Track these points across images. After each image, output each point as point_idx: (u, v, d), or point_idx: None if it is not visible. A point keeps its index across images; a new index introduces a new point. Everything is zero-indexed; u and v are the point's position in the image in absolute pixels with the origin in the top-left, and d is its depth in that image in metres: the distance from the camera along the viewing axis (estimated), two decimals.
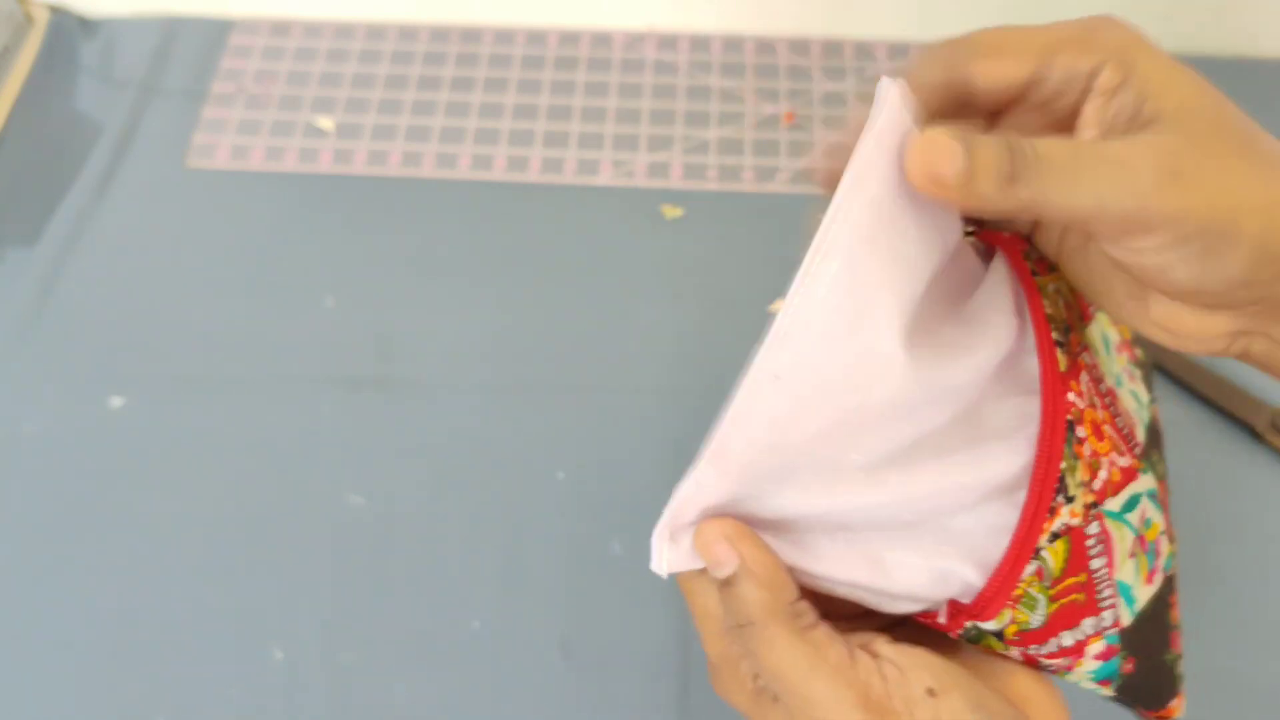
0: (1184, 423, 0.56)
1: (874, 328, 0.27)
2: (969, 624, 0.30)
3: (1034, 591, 0.29)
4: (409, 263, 0.62)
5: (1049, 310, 0.31)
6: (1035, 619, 0.30)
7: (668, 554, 0.30)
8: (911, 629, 0.32)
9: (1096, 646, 0.31)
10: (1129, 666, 0.32)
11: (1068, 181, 0.26)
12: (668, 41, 0.72)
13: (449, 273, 0.62)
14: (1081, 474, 0.30)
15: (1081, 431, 0.30)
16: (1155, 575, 0.33)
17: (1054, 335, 0.31)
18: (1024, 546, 0.29)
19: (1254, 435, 0.55)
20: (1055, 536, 0.29)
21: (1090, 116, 0.29)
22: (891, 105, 0.27)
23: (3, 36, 0.69)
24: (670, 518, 0.29)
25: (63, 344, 0.59)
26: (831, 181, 0.27)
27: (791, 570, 0.29)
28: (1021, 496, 0.29)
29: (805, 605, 0.29)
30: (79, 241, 0.62)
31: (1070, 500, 0.29)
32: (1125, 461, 0.31)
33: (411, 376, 0.58)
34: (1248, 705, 0.48)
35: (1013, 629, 0.30)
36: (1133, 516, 0.31)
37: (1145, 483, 0.32)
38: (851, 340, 0.27)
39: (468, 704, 0.49)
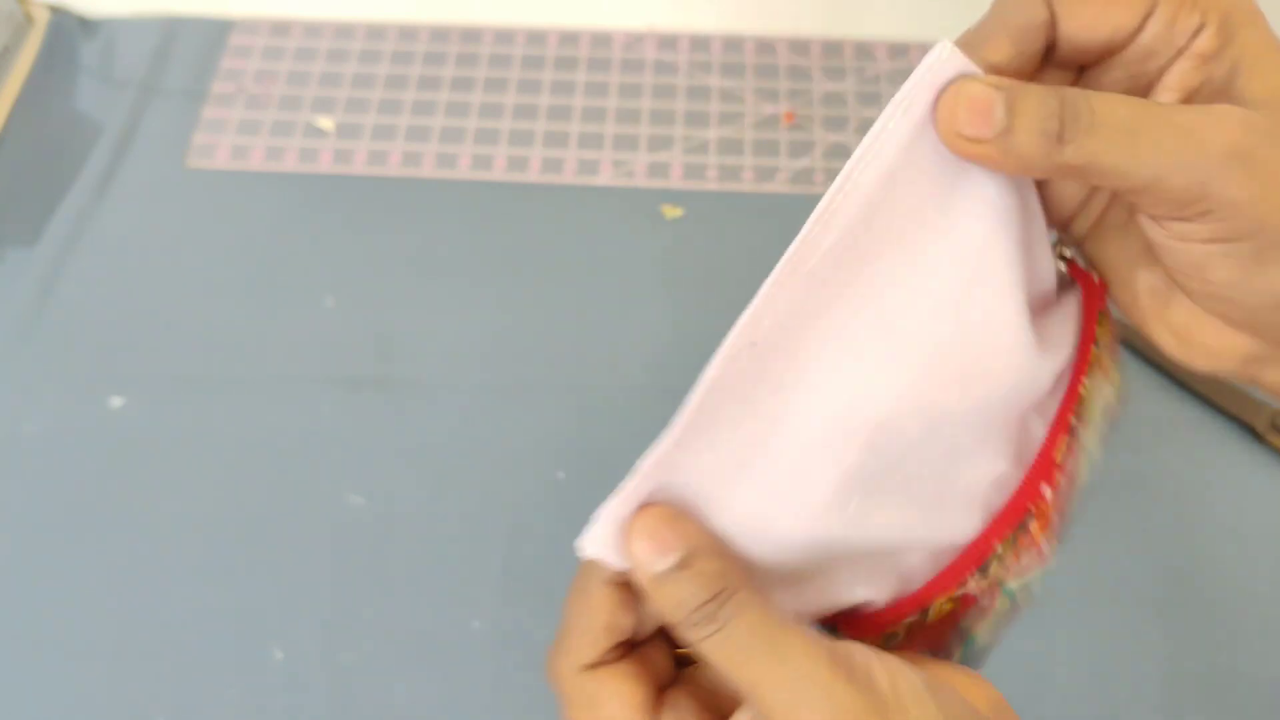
0: (1184, 423, 0.56)
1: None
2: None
3: (898, 630, 0.30)
4: (409, 263, 0.62)
5: (1084, 389, 0.29)
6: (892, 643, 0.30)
7: (610, 539, 0.27)
8: None
9: None
10: None
11: (1124, 146, 0.24)
12: (668, 41, 0.72)
13: (449, 273, 0.62)
14: (1009, 559, 0.29)
15: (1034, 525, 0.29)
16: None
17: (1072, 419, 0.29)
18: (918, 601, 0.29)
19: (1254, 435, 0.55)
20: (951, 599, 0.29)
21: (1173, 80, 0.26)
22: (937, 69, 0.25)
23: (3, 36, 0.69)
24: (628, 499, 0.27)
25: (63, 344, 0.59)
26: None
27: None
28: (945, 561, 0.29)
29: (756, 584, 0.26)
30: (79, 241, 0.62)
31: (983, 576, 0.29)
32: (1048, 548, 0.30)
33: (411, 376, 0.58)
34: (1248, 705, 0.48)
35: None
36: (1021, 591, 0.31)
37: (1051, 565, 0.31)
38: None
39: (468, 704, 0.49)
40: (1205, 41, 0.26)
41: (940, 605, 0.29)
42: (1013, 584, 0.30)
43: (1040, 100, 0.24)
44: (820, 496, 0.26)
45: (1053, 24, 0.27)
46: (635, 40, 0.72)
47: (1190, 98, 0.26)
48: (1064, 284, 0.31)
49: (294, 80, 0.70)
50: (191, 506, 0.54)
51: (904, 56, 0.71)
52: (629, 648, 0.28)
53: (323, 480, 0.54)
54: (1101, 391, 0.30)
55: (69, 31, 0.72)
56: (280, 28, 0.73)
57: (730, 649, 0.25)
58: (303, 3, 0.73)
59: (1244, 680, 0.49)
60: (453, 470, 0.55)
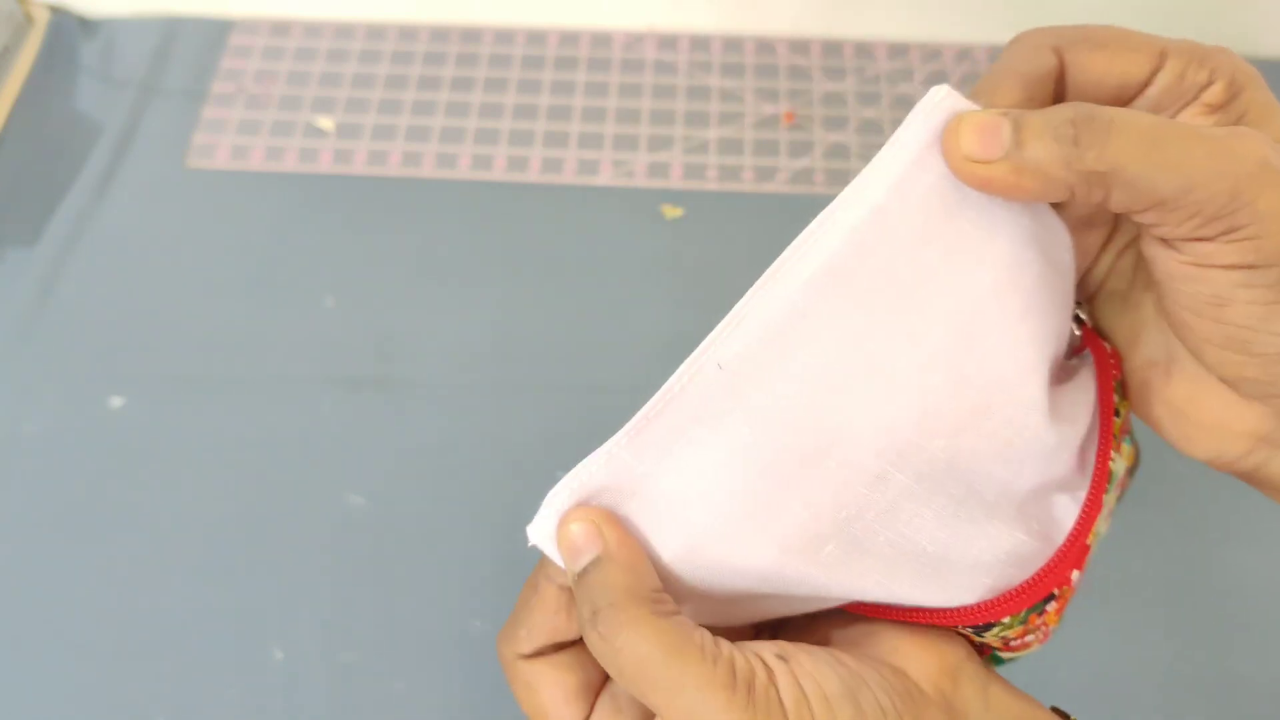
0: None
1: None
2: None
3: None
4: (409, 263, 0.62)
5: (1114, 465, 0.28)
6: None
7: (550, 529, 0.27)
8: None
9: None
10: None
11: (1148, 150, 0.23)
12: (668, 41, 0.72)
13: (449, 273, 0.62)
14: (1012, 632, 0.27)
15: (1052, 607, 0.27)
16: None
17: (1106, 496, 0.27)
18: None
19: None
20: None
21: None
22: (933, 110, 0.24)
23: (3, 36, 0.69)
24: (575, 491, 0.27)
25: (63, 344, 0.59)
26: None
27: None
28: (931, 616, 0.27)
29: (666, 595, 0.26)
30: (79, 241, 0.62)
31: (977, 635, 0.28)
32: (1052, 629, 0.28)
33: (411, 376, 0.58)
34: (1249, 707, 0.48)
35: None
36: (1005, 665, 0.30)
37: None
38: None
39: (468, 704, 0.49)
40: (1214, 94, 0.26)
41: None
42: (1004, 655, 0.29)
43: (1049, 114, 0.23)
44: (789, 535, 0.25)
45: (1062, 73, 0.26)
46: (635, 40, 0.72)
47: None
48: (1071, 350, 0.29)
49: (294, 80, 0.70)
50: (191, 506, 0.54)
51: (904, 56, 0.71)
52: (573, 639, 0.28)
53: (323, 480, 0.54)
54: (1117, 465, 0.29)
55: (69, 31, 0.72)
56: (280, 28, 0.73)
57: (622, 664, 0.24)
58: (303, 3, 0.73)
59: (1244, 682, 0.49)
60: (453, 470, 0.55)
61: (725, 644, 0.25)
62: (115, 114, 0.68)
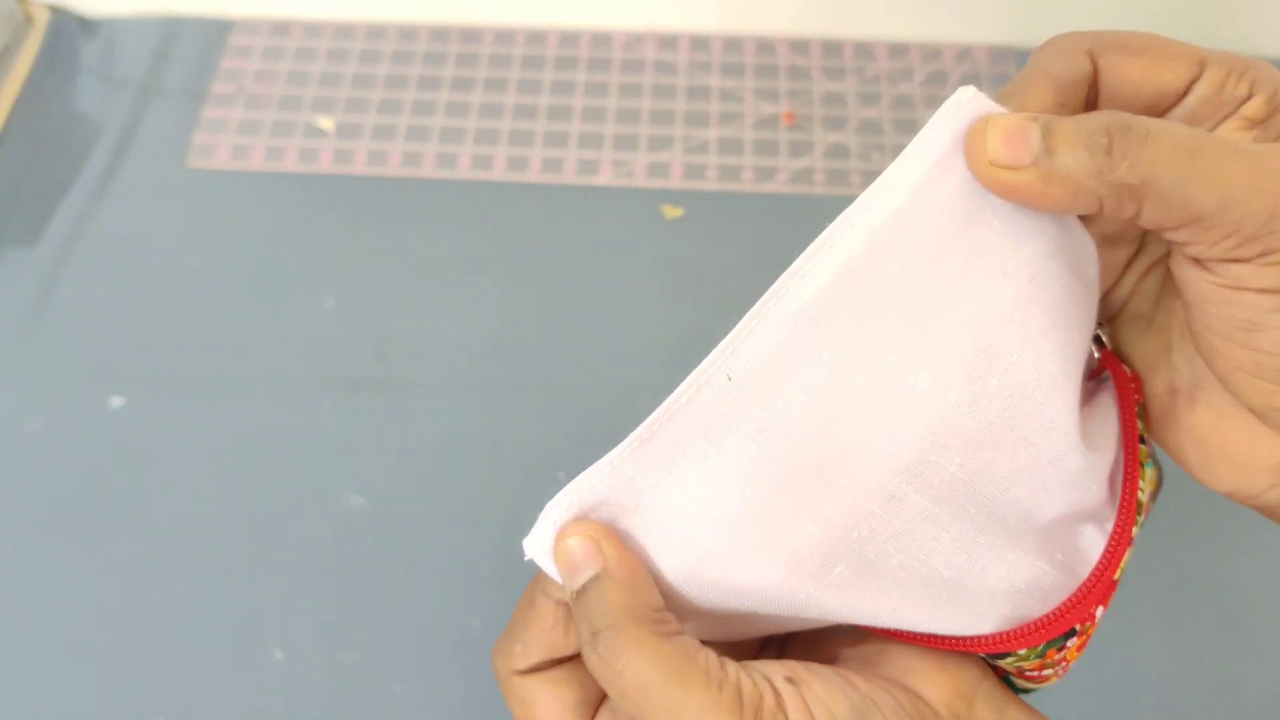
0: None
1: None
2: None
3: None
4: (409, 263, 0.62)
5: (1140, 494, 0.26)
6: None
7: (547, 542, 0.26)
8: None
9: None
10: None
11: (1185, 163, 0.21)
12: (668, 41, 0.72)
13: (449, 273, 0.62)
14: (1028, 664, 0.26)
15: (1074, 643, 0.26)
16: None
17: (1135, 530, 0.26)
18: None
19: None
20: None
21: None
22: (958, 111, 0.23)
23: (3, 36, 0.69)
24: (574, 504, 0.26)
25: (63, 344, 0.59)
26: None
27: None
28: (944, 641, 0.26)
29: (669, 614, 0.25)
30: (79, 241, 0.62)
31: (993, 664, 0.27)
32: (1072, 663, 0.28)
33: (411, 376, 0.58)
34: (1249, 708, 0.48)
35: None
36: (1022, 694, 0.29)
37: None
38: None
39: (468, 704, 0.49)
40: (1254, 107, 0.25)
41: None
42: (1019, 683, 0.28)
43: (1081, 121, 0.22)
44: (798, 555, 0.24)
45: (1095, 79, 0.25)
46: (635, 40, 0.72)
47: None
48: (1090, 373, 0.28)
49: (294, 80, 0.70)
50: (191, 506, 0.54)
51: (904, 56, 0.71)
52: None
53: (323, 480, 0.54)
54: (1143, 494, 0.27)
55: (69, 31, 0.72)
56: (280, 28, 0.73)
57: (624, 688, 0.24)
58: (303, 3, 0.73)
59: (1244, 683, 0.49)
60: (453, 470, 0.55)
61: (731, 666, 0.24)
62: (115, 114, 0.68)
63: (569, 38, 0.72)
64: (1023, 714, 0.26)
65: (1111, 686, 0.48)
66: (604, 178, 0.66)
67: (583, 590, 0.25)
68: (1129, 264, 0.29)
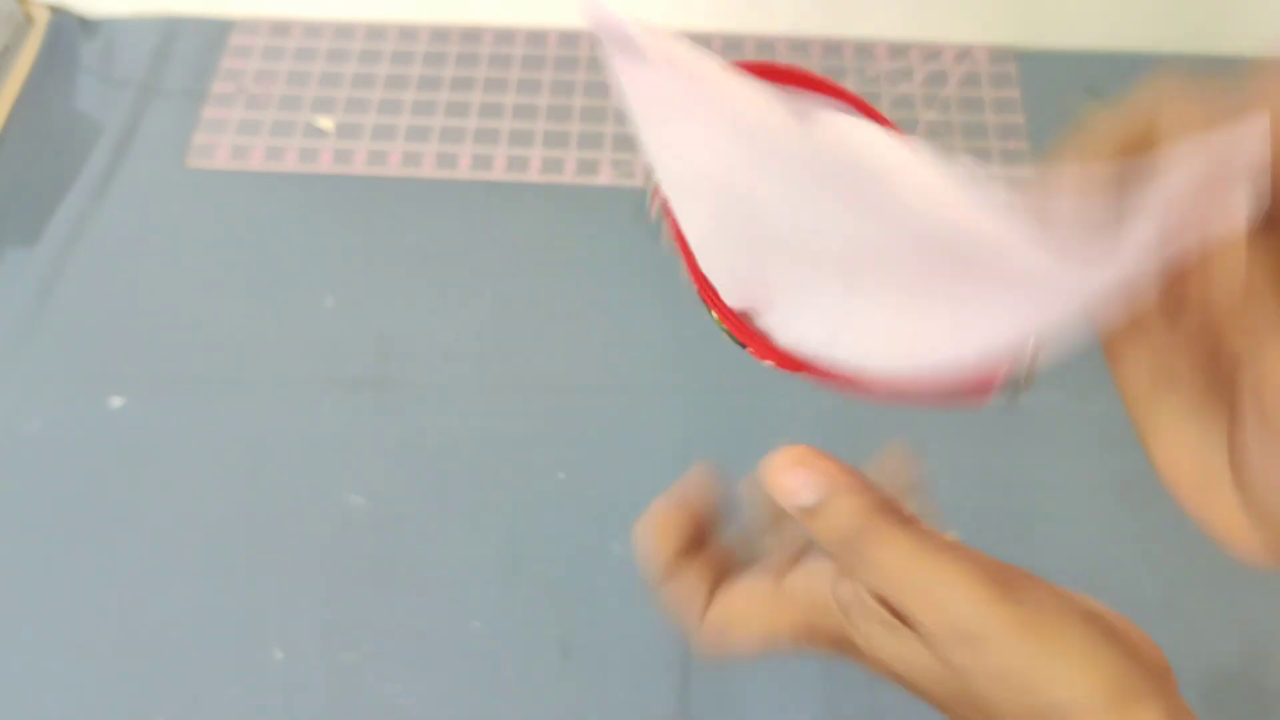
0: None
1: None
2: None
3: None
4: (409, 263, 0.62)
5: None
6: None
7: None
8: None
9: None
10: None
11: None
12: None
13: (449, 273, 0.62)
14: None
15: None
16: None
17: None
18: None
19: None
20: None
21: None
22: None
23: (3, 36, 0.69)
24: None
25: (63, 344, 0.59)
26: None
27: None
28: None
29: (899, 503, 0.27)
30: (79, 241, 0.62)
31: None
32: None
33: (411, 376, 0.58)
34: (1249, 708, 0.48)
35: None
36: None
37: None
38: None
39: (468, 704, 0.49)
40: None
41: None
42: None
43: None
44: None
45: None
46: None
47: None
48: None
49: (294, 80, 0.70)
50: (191, 506, 0.54)
51: (904, 56, 0.71)
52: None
53: (323, 480, 0.54)
54: None
55: (69, 31, 0.72)
56: (280, 28, 0.73)
57: (880, 577, 0.26)
58: (303, 3, 0.73)
59: (1245, 683, 0.49)
60: (453, 470, 0.55)
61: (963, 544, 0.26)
62: (115, 114, 0.68)
63: (569, 38, 0.72)
64: None
65: None
66: (604, 178, 0.66)
67: (815, 508, 0.27)
68: None
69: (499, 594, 0.51)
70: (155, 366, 0.58)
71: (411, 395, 0.57)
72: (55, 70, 0.70)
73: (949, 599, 0.24)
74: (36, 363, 0.58)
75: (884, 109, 0.70)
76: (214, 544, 0.53)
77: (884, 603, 0.26)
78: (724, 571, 0.32)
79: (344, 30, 0.72)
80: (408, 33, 0.72)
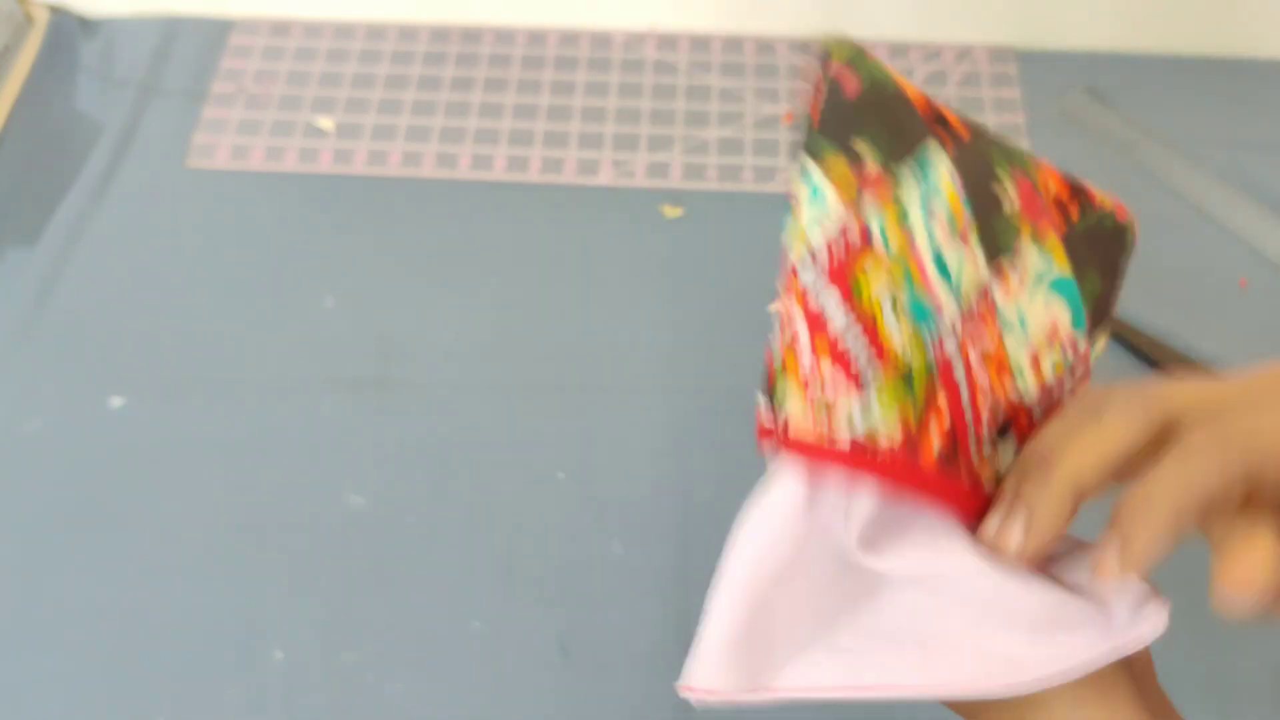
0: None
1: None
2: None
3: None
4: (409, 263, 0.62)
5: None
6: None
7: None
8: None
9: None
10: None
11: None
12: (668, 41, 0.72)
13: (449, 273, 0.62)
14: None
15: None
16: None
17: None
18: None
19: None
20: None
21: None
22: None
23: (3, 36, 0.69)
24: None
25: (63, 344, 0.59)
26: None
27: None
28: None
29: None
30: (79, 241, 0.62)
31: None
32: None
33: (411, 376, 0.58)
34: (1249, 708, 0.48)
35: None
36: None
37: None
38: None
39: (468, 704, 0.49)
40: None
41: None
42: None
43: None
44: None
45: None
46: (635, 40, 0.72)
47: None
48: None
49: (294, 80, 0.70)
50: (191, 506, 0.54)
51: (904, 56, 0.71)
52: None
53: (323, 480, 0.54)
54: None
55: (69, 31, 0.72)
56: (280, 28, 0.73)
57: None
58: (303, 3, 0.73)
59: (1244, 682, 0.49)
60: (453, 470, 0.55)
61: None
62: (115, 114, 0.68)
63: (569, 38, 0.72)
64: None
65: None
66: (604, 178, 0.66)
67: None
68: None
69: (499, 594, 0.51)
70: (155, 366, 0.58)
71: (411, 395, 0.57)
72: (55, 70, 0.70)
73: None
74: (36, 363, 0.58)
75: None
76: (214, 544, 0.53)
77: None
78: None
79: (344, 30, 0.72)
80: (408, 33, 0.72)
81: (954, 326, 0.29)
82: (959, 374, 0.29)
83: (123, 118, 0.68)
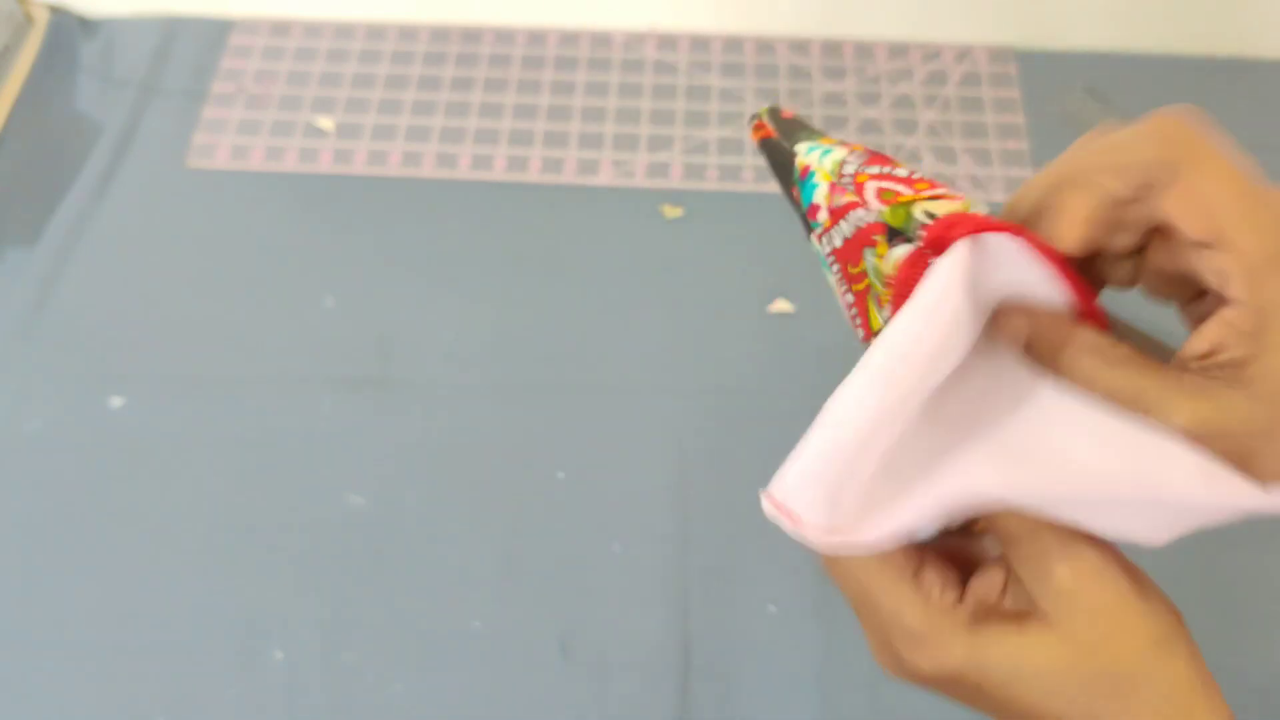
0: None
1: None
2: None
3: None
4: (409, 263, 0.62)
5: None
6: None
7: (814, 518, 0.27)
8: None
9: None
10: None
11: None
12: (668, 41, 0.72)
13: (449, 273, 0.62)
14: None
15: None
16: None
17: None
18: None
19: None
20: None
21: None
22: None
23: (3, 36, 0.69)
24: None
25: (63, 344, 0.59)
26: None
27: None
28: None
29: None
30: (79, 241, 0.62)
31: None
32: None
33: (411, 376, 0.58)
34: (1248, 707, 0.48)
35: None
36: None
37: None
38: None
39: (468, 704, 0.49)
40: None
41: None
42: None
43: None
44: None
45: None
46: (635, 40, 0.72)
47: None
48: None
49: (294, 80, 0.70)
50: (192, 506, 0.54)
51: (904, 56, 0.71)
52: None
53: (323, 480, 0.54)
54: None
55: (69, 31, 0.72)
56: (280, 28, 0.73)
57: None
58: (303, 3, 0.73)
59: (1244, 681, 0.49)
60: (453, 470, 0.55)
61: None
62: (115, 114, 0.68)
63: (569, 38, 0.72)
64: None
65: None
66: (604, 178, 0.66)
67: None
68: None
69: (499, 594, 0.51)
70: (155, 366, 0.58)
71: (411, 395, 0.57)
72: (55, 70, 0.70)
73: None
74: (36, 363, 0.58)
75: (884, 109, 0.70)
76: (214, 544, 0.53)
77: None
78: None
79: (344, 30, 0.72)
80: (408, 33, 0.72)
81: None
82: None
83: (123, 118, 0.68)
